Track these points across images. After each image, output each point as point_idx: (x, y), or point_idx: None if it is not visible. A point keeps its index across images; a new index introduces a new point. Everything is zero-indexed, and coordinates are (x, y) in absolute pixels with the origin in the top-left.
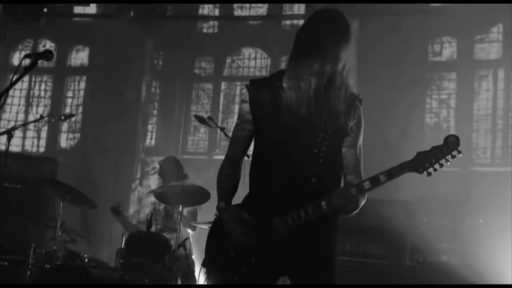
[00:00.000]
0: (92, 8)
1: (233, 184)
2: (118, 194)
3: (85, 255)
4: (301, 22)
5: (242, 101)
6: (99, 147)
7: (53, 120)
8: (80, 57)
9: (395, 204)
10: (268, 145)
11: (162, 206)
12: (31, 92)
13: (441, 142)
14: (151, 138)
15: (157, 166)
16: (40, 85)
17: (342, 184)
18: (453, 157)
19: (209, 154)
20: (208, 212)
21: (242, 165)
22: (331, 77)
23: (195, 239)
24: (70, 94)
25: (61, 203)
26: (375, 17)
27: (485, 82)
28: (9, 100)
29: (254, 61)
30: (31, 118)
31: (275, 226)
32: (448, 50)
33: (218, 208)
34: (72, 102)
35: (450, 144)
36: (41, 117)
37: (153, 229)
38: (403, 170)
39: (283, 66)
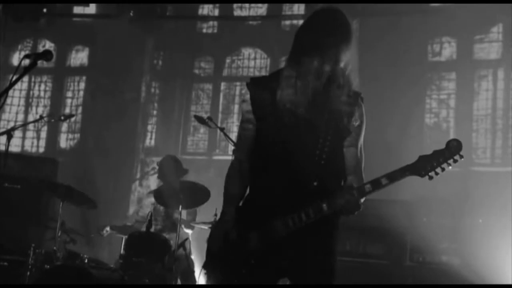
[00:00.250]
0: (91, 8)
1: (239, 187)
2: (118, 194)
3: (85, 256)
4: (301, 22)
5: (243, 101)
6: (99, 147)
7: (52, 120)
8: (79, 57)
9: (395, 204)
10: (268, 145)
11: (162, 206)
12: (31, 92)
13: (440, 142)
14: (150, 138)
15: (157, 167)
16: (39, 85)
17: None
18: (455, 161)
19: (209, 155)
20: (207, 212)
21: (248, 166)
22: (332, 76)
23: (194, 239)
24: (69, 94)
25: (61, 203)
26: (375, 17)
27: (484, 82)
28: (8, 100)
29: (253, 61)
30: (30, 118)
31: (275, 228)
32: (448, 50)
33: (222, 212)
34: (71, 102)
35: (452, 149)
36: (41, 117)
37: (152, 229)
38: (405, 173)
39: (282, 66)
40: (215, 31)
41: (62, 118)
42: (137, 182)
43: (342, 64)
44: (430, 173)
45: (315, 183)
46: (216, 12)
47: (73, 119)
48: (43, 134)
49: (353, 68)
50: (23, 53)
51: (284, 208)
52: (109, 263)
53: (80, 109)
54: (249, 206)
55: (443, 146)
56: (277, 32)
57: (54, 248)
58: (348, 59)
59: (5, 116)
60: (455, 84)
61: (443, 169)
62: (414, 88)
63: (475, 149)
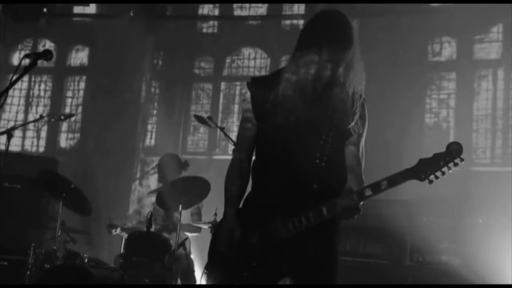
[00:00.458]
0: (91, 8)
1: (238, 186)
2: (118, 194)
3: (85, 255)
4: (301, 22)
5: (243, 100)
6: (99, 147)
7: (52, 120)
8: (79, 57)
9: (395, 204)
10: (268, 145)
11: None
12: (31, 92)
13: (440, 142)
14: (150, 138)
15: (156, 168)
16: (39, 85)
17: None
18: (456, 164)
19: (209, 154)
20: (208, 212)
21: (249, 166)
22: (333, 78)
23: (194, 239)
24: (69, 94)
25: (61, 203)
26: (375, 17)
27: (484, 82)
28: (8, 100)
29: (253, 61)
30: (30, 118)
31: (276, 230)
32: (448, 50)
33: (224, 213)
34: (71, 102)
35: (453, 152)
36: (41, 117)
37: (152, 229)
38: (405, 177)
39: (283, 65)
40: (215, 31)
41: (62, 117)
42: (137, 182)
43: (344, 65)
44: (430, 177)
45: (315, 185)
46: (216, 12)
47: (73, 118)
48: (43, 134)
49: (358, 70)
50: (23, 53)
51: (284, 209)
52: (109, 263)
53: (80, 109)
54: (249, 206)
55: (443, 145)
56: (277, 32)
57: (54, 247)
58: (350, 59)
59: (5, 115)
60: (455, 84)
61: (443, 173)
62: (414, 88)
63: (475, 149)
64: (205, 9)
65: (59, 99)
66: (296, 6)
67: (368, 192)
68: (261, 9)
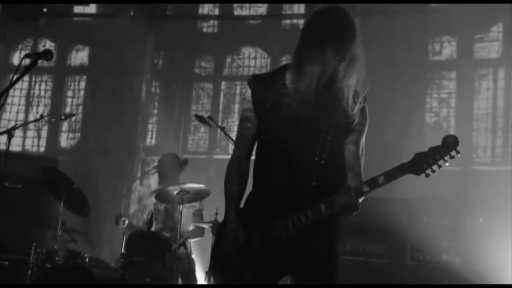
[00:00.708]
0: (92, 8)
1: (238, 186)
2: (119, 194)
3: (86, 255)
4: (301, 21)
5: (243, 100)
6: (100, 146)
7: (53, 119)
8: (80, 56)
9: (396, 203)
10: (269, 144)
11: (162, 206)
12: (31, 91)
13: (440, 141)
14: (151, 138)
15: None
16: (40, 85)
17: None
18: (452, 157)
19: (209, 154)
20: (208, 211)
21: (248, 165)
22: (335, 75)
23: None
24: (70, 93)
25: (62, 203)
26: (375, 16)
27: (485, 81)
28: (9, 100)
29: (254, 61)
30: (31, 117)
31: (276, 229)
32: (448, 49)
33: (225, 213)
34: (72, 102)
35: (449, 145)
36: (41, 116)
37: (153, 228)
38: (401, 172)
39: (283, 63)
40: (216, 30)
41: (63, 117)
42: (137, 182)
43: (345, 62)
44: (426, 171)
45: (314, 183)
46: (217, 12)
47: (73, 118)
48: (44, 134)
49: (358, 65)
50: (23, 53)
51: (284, 208)
52: (110, 262)
53: (80, 109)
54: (250, 206)
55: None
56: (277, 32)
57: (55, 247)
58: (352, 56)
59: (5, 115)
60: (456, 83)
61: (439, 166)
62: (415, 87)
63: (476, 148)
64: (205, 8)
65: (60, 99)
66: (296, 5)
67: (365, 188)
68: (261, 8)
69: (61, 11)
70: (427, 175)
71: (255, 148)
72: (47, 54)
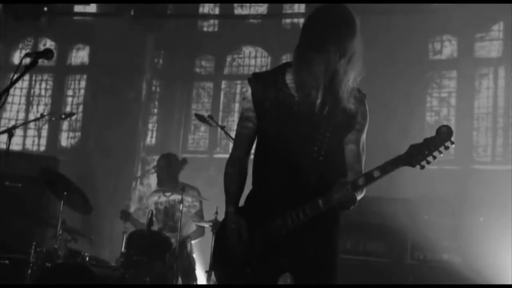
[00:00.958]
0: (92, 7)
1: (237, 184)
2: (119, 193)
3: (86, 254)
4: (301, 20)
5: (244, 99)
6: (100, 145)
7: (53, 118)
8: (80, 55)
9: (396, 202)
10: (269, 143)
11: (162, 205)
12: (32, 90)
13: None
14: (151, 137)
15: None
16: (40, 84)
17: None
18: (446, 148)
19: (210, 153)
20: (208, 211)
21: (247, 164)
22: (335, 73)
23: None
24: (70, 92)
25: (62, 202)
26: (375, 15)
27: (485, 80)
28: (9, 99)
29: (254, 60)
30: (31, 116)
31: (275, 226)
32: (449, 48)
33: (226, 212)
34: (72, 101)
35: (443, 135)
36: (42, 115)
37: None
38: (396, 164)
39: (284, 61)
40: (216, 29)
41: (63, 116)
42: (138, 181)
43: (345, 59)
44: (421, 163)
45: (312, 180)
46: (217, 11)
47: (74, 117)
48: (44, 133)
49: (357, 62)
50: (24, 52)
51: (284, 206)
52: (110, 261)
53: (81, 108)
54: (250, 204)
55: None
56: (277, 31)
57: (56, 246)
58: (352, 53)
59: (6, 114)
60: (456, 82)
61: (434, 157)
62: (415, 86)
63: (476, 147)
64: (205, 8)
65: (60, 98)
66: (296, 4)
67: (361, 182)
68: (262, 8)
69: (62, 10)
70: (422, 167)
71: (254, 146)
72: (47, 53)
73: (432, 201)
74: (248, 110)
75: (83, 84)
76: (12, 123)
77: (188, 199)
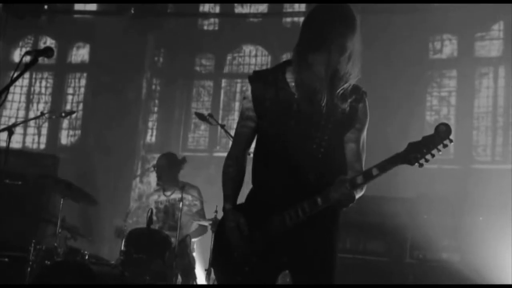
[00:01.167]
0: (92, 5)
1: (236, 182)
2: (119, 191)
3: (86, 252)
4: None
5: (244, 98)
6: (100, 144)
7: (53, 117)
8: (80, 54)
9: (396, 201)
10: (269, 141)
11: (163, 204)
12: (32, 89)
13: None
14: (151, 135)
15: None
16: (40, 82)
17: None
18: (445, 146)
19: (210, 151)
20: (208, 210)
21: (245, 163)
22: (336, 70)
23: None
24: (70, 91)
25: (62, 200)
26: (375, 14)
27: (485, 79)
28: (9, 97)
29: (254, 59)
30: (31, 115)
31: (273, 224)
32: (449, 47)
33: (223, 209)
34: (72, 99)
35: (441, 133)
36: (42, 114)
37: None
38: (395, 162)
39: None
40: (216, 28)
41: (63, 114)
42: (137, 179)
43: (345, 57)
44: (420, 161)
45: (312, 178)
46: (217, 9)
47: (74, 115)
48: (44, 131)
49: (356, 60)
50: (24, 50)
51: (284, 205)
52: (110, 260)
53: (81, 106)
54: (250, 203)
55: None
56: (278, 29)
57: (55, 244)
58: (352, 50)
59: (6, 112)
60: (456, 82)
61: (433, 155)
62: (415, 85)
63: (476, 146)
64: (205, 6)
65: (60, 96)
66: (297, 3)
67: (360, 180)
68: (262, 6)
69: (62, 8)
70: (421, 165)
71: (253, 145)
72: (47, 52)
73: (432, 201)
74: (248, 110)
75: (83, 82)
76: (12, 121)
77: (188, 198)
